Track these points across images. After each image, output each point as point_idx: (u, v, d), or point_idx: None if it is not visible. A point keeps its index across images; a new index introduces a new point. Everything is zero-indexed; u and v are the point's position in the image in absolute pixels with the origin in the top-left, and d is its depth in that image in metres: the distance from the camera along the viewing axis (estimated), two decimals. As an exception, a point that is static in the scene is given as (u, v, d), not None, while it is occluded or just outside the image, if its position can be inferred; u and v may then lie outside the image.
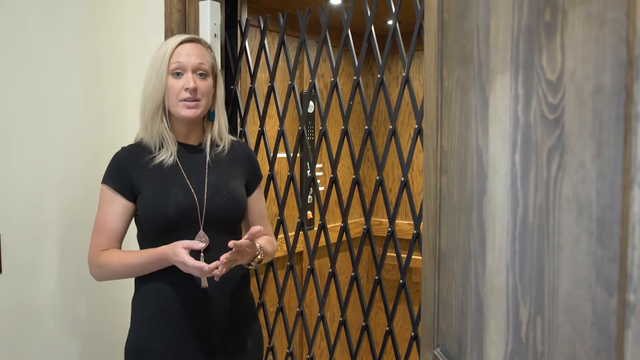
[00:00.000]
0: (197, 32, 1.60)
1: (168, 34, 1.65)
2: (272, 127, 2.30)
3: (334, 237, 2.67)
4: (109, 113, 1.75)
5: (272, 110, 2.25)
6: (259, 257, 1.31)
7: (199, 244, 1.21)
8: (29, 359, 1.57)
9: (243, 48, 1.72)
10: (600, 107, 0.50)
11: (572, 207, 0.54)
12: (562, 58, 0.56)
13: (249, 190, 1.44)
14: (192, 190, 1.31)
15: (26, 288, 1.56)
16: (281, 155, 2.32)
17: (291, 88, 1.77)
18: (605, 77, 0.49)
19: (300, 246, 2.42)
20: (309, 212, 2.43)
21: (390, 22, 2.51)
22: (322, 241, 2.58)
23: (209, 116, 1.39)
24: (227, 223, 1.35)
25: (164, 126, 1.32)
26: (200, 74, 1.32)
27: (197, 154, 1.37)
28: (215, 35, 1.59)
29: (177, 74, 1.31)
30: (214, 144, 1.39)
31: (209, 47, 1.38)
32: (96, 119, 1.71)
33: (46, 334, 1.62)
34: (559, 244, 0.57)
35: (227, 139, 1.41)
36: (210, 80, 1.34)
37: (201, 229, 1.30)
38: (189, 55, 1.30)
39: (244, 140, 1.74)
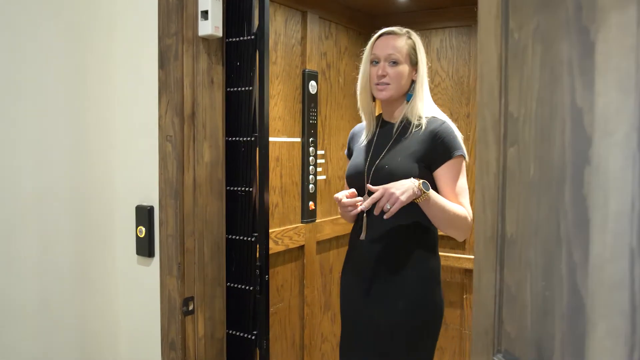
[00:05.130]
0: (195, 6, 1.41)
1: (162, 7, 1.46)
2: (272, 108, 2.11)
3: (337, 230, 2.51)
4: (92, 90, 1.55)
5: (272, 90, 2.07)
6: (420, 192, 1.41)
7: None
8: (11, 356, 1.38)
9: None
10: None
11: None
12: None
13: (432, 167, 1.52)
14: (366, 162, 1.58)
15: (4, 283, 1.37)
16: (283, 139, 2.15)
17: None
18: None
19: (301, 239, 2.24)
20: (311, 203, 2.26)
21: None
22: (324, 234, 2.43)
23: (406, 97, 1.57)
24: None
25: (371, 106, 1.62)
26: (392, 62, 1.53)
27: (389, 131, 1.59)
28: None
29: (375, 63, 1.56)
30: (406, 122, 1.56)
31: (406, 37, 1.56)
32: (78, 98, 1.51)
33: (28, 328, 1.42)
34: None
35: (423, 118, 1.53)
36: (402, 66, 1.54)
37: (365, 194, 1.52)
38: (382, 47, 1.55)
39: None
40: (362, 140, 1.64)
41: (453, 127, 1.52)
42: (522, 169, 0.79)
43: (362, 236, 1.54)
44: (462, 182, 1.50)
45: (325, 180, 2.44)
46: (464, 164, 1.51)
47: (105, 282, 1.54)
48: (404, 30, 1.57)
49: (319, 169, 2.32)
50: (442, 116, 1.55)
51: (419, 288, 1.51)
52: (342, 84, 2.52)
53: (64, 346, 1.57)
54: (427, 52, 2.13)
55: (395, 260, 1.52)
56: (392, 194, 1.38)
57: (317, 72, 2.25)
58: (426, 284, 1.52)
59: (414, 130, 1.53)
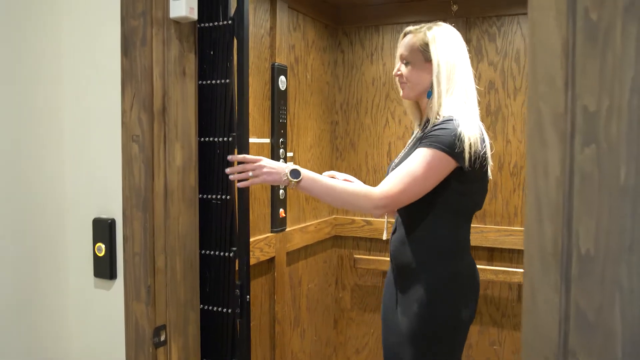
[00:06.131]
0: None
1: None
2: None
3: (306, 239, 2.33)
4: (37, 79, 1.29)
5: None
6: (288, 181, 1.37)
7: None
8: None
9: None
10: None
11: None
12: None
13: None
14: (391, 164, 1.60)
15: None
16: (252, 140, 1.96)
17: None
18: None
19: (272, 251, 2.06)
20: (281, 210, 2.08)
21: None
22: (294, 244, 2.25)
23: (427, 95, 1.53)
24: None
25: (409, 104, 1.61)
26: (405, 62, 1.53)
27: (418, 130, 1.60)
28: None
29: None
30: (427, 121, 1.51)
31: (423, 33, 1.50)
32: (18, 89, 1.26)
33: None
34: None
35: (440, 117, 1.44)
36: (412, 65, 1.51)
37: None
38: (400, 47, 1.55)
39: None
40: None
41: (458, 126, 1.37)
42: (605, 173, 0.67)
43: (384, 236, 1.69)
44: (414, 168, 1.37)
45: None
46: (434, 157, 1.36)
47: (55, 311, 1.29)
48: (425, 26, 1.52)
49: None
50: (461, 116, 1.39)
51: (432, 293, 1.45)
52: (310, 81, 2.37)
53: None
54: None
55: (413, 262, 1.48)
56: (261, 166, 1.36)
57: (286, 67, 2.08)
58: (440, 290, 1.45)
59: (429, 127, 1.45)
